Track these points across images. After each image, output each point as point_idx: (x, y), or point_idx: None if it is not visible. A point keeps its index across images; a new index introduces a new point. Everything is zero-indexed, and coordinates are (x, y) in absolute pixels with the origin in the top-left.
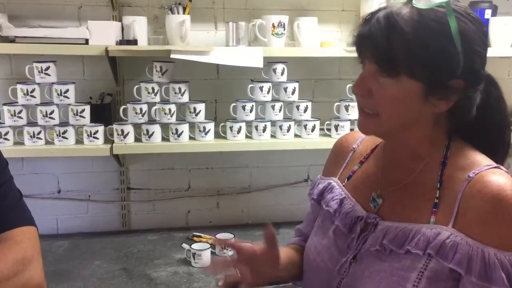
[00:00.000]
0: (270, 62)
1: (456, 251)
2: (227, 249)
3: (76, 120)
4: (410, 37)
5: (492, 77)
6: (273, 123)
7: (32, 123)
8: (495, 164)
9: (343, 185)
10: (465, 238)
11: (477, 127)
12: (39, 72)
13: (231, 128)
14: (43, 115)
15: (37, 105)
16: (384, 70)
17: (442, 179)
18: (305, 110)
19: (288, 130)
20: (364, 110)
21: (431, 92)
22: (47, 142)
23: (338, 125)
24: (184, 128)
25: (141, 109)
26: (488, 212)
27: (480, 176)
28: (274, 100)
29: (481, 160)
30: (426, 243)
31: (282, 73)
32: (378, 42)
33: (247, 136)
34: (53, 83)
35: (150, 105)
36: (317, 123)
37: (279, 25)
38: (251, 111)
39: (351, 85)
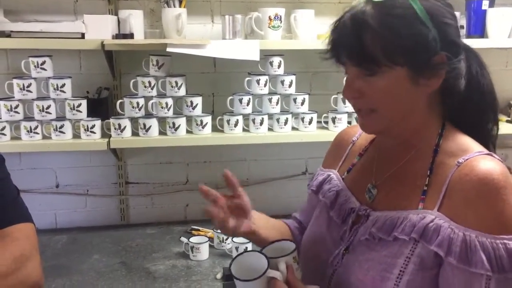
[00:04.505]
0: (266, 55)
1: (438, 234)
2: (225, 242)
3: (73, 114)
4: (380, 30)
5: (468, 46)
6: (270, 116)
7: (29, 118)
8: (487, 151)
9: (342, 178)
10: (448, 221)
11: (467, 101)
12: (35, 66)
13: (228, 121)
14: (40, 110)
15: (33, 99)
16: (366, 69)
17: (432, 166)
18: (302, 103)
19: (286, 123)
20: (361, 111)
21: (418, 74)
22: (44, 137)
23: (335, 117)
24: (181, 121)
25: (138, 103)
26: (473, 195)
27: (469, 162)
28: (271, 93)
29: (473, 147)
30: (412, 228)
31: (279, 66)
32: (351, 45)
33: (244, 130)
34: (49, 77)
35: (147, 99)
36: (315, 115)
37: (276, 17)
38: (248, 104)
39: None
